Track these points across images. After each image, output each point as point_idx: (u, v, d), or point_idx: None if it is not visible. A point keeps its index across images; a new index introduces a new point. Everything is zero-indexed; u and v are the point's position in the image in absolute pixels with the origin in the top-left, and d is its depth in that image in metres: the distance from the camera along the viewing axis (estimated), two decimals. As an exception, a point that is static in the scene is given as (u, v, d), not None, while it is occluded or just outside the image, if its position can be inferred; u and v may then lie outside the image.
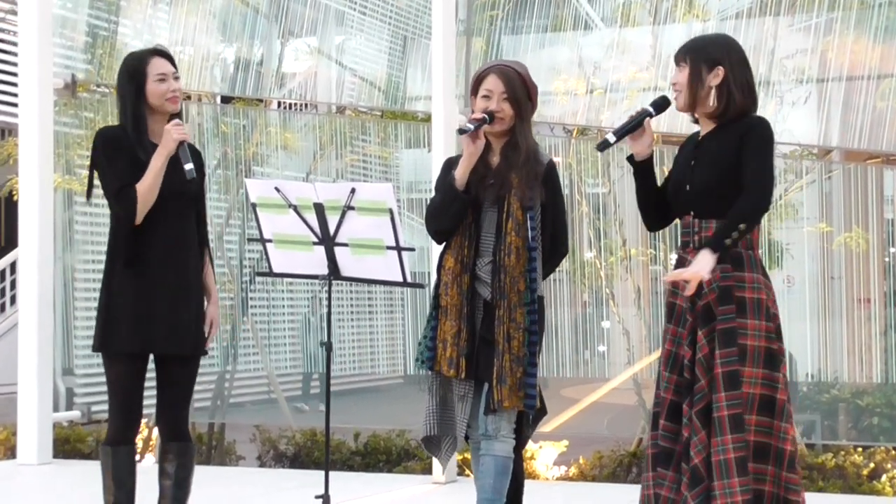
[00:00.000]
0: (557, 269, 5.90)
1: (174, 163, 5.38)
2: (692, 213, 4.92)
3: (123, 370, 5.44)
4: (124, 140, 5.45)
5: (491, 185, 5.43)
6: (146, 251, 5.40)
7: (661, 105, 5.01)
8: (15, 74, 10.21)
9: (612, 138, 4.92)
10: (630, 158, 5.06)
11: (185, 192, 5.47)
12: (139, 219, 5.37)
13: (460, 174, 5.43)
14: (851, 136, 9.75)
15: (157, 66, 5.46)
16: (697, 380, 4.76)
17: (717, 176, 4.84)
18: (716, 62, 4.86)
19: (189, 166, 5.34)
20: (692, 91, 4.88)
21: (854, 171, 9.97)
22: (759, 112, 5.00)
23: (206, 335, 5.59)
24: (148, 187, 5.35)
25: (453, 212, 5.45)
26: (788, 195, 9.92)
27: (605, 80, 10.48)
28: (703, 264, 4.72)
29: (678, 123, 8.73)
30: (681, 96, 4.91)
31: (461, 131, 5.37)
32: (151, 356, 5.51)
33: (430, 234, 5.58)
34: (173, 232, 5.46)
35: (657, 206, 5.10)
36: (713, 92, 4.87)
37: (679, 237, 5.05)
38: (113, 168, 5.42)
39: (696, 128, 5.08)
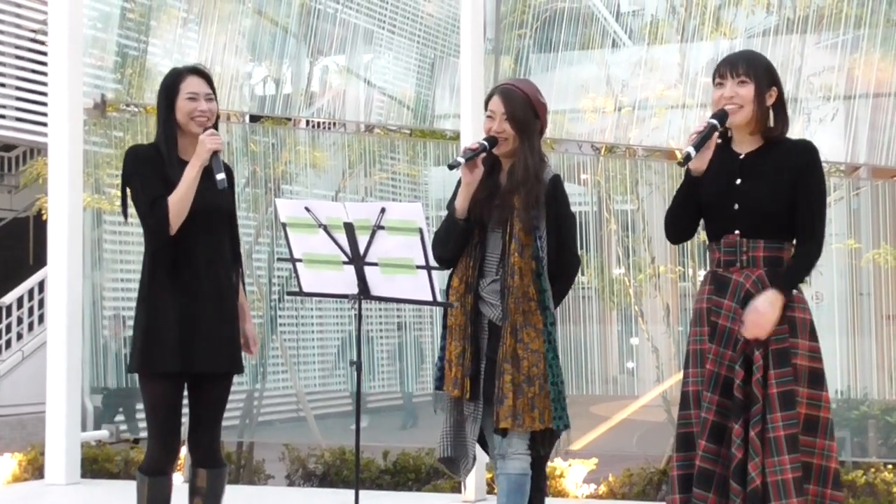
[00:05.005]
0: (586, 286, 5.90)
1: (210, 178, 5.36)
2: (738, 231, 4.88)
3: (164, 390, 5.40)
4: (155, 157, 5.45)
5: (497, 207, 5.44)
6: (184, 268, 5.39)
7: (722, 119, 4.93)
8: (45, 94, 10.27)
9: (693, 151, 4.81)
10: (686, 172, 4.97)
11: (220, 208, 5.48)
12: (173, 230, 5.32)
13: (460, 203, 5.47)
14: (879, 152, 9.73)
15: (189, 84, 5.48)
16: (755, 401, 4.73)
17: (773, 197, 4.84)
18: (773, 82, 4.91)
19: (221, 176, 5.33)
20: (759, 108, 4.88)
21: (882, 188, 9.94)
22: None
23: (246, 352, 5.61)
24: (180, 197, 5.32)
25: (454, 239, 5.50)
26: (817, 212, 9.87)
27: (633, 98, 10.48)
28: (772, 307, 4.76)
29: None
30: (742, 112, 4.87)
31: (451, 166, 5.40)
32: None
33: (435, 259, 5.40)
34: (210, 248, 5.46)
35: (691, 219, 5.05)
36: (770, 111, 4.90)
37: (711, 254, 5.00)
38: (143, 184, 5.39)
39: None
